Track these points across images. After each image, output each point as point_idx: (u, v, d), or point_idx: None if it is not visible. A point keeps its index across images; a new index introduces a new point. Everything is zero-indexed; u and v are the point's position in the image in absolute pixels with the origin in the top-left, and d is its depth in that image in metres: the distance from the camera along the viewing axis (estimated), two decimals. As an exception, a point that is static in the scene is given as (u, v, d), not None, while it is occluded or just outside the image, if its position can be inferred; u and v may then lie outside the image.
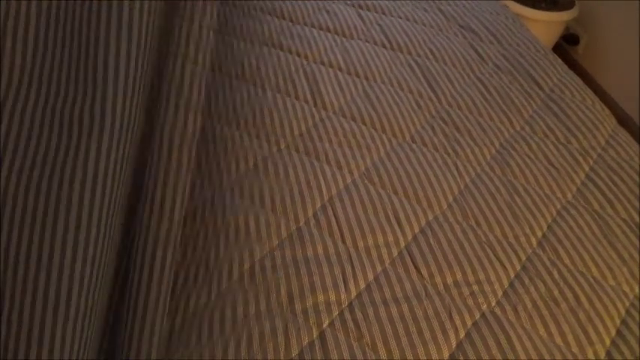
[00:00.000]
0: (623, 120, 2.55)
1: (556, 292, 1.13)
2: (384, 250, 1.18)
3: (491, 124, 1.53)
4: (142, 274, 0.88)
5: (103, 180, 0.79)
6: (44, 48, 0.82)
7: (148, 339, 0.88)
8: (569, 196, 1.35)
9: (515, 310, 1.10)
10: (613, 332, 1.08)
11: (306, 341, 1.02)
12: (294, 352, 1.00)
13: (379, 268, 1.15)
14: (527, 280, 1.15)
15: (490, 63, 1.77)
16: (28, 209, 0.79)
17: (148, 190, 0.88)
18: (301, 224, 1.20)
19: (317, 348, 1.01)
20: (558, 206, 1.31)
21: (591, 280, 1.16)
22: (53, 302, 0.78)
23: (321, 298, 1.08)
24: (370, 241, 1.19)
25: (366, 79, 1.63)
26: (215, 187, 1.22)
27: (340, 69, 1.65)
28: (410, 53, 1.76)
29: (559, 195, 1.35)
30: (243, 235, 1.15)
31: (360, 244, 1.18)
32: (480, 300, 1.11)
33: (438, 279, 1.14)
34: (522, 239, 1.23)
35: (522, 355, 1.03)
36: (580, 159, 1.45)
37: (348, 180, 1.31)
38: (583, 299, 1.12)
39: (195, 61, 0.87)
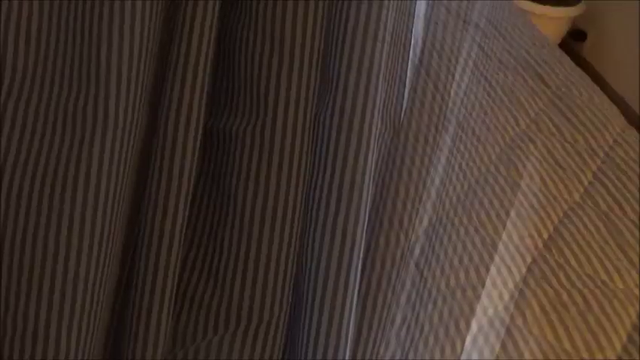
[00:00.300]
0: (631, 118, 2.53)
1: (564, 296, 1.11)
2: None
3: (495, 122, 1.51)
4: (147, 269, 0.88)
5: (107, 175, 0.80)
6: (46, 45, 0.83)
7: (153, 337, 0.88)
8: (576, 196, 1.33)
9: (523, 315, 1.08)
10: (624, 337, 1.06)
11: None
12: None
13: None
14: (533, 284, 1.13)
15: (494, 59, 1.75)
16: (32, 206, 0.79)
17: (152, 186, 0.88)
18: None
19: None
20: (565, 207, 1.30)
21: (599, 283, 1.14)
22: (59, 300, 0.79)
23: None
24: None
25: (368, 77, 1.61)
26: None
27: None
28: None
29: (566, 196, 1.33)
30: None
31: (362, 246, 1.16)
32: (486, 304, 1.09)
33: (441, 283, 1.11)
34: (528, 241, 1.21)
35: (529, 362, 1.01)
36: (587, 158, 1.43)
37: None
38: (593, 303, 1.10)
39: (198, 57, 0.86)
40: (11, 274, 0.79)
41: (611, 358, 1.03)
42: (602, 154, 1.45)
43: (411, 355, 1.00)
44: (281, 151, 0.93)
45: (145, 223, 0.88)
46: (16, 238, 0.79)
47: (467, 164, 1.37)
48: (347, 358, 0.95)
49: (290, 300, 0.96)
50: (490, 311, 1.08)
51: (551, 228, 1.24)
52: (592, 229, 1.25)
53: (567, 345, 1.04)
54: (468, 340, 1.03)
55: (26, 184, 0.80)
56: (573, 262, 1.18)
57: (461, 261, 1.15)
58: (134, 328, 0.88)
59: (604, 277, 1.16)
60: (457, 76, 1.65)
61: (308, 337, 0.95)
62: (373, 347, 0.98)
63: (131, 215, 0.91)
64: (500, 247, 1.19)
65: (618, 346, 1.04)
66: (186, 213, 0.90)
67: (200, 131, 0.89)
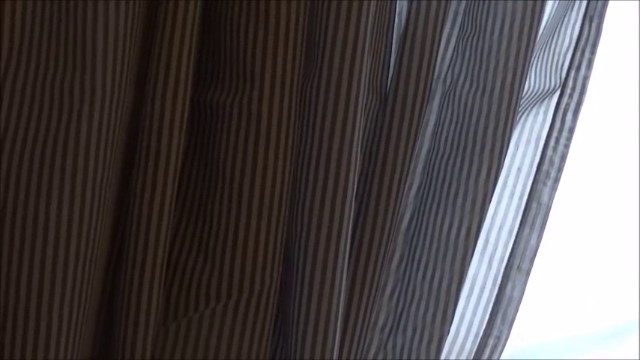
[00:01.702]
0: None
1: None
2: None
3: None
4: (137, 246, 0.89)
5: (96, 148, 0.81)
6: (31, 27, 0.83)
7: (144, 313, 0.89)
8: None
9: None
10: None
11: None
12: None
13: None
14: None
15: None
16: (21, 182, 0.80)
17: (140, 161, 0.89)
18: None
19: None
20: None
21: None
22: (50, 279, 0.80)
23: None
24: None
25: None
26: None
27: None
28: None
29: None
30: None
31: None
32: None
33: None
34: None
35: None
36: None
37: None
38: None
39: (184, 32, 0.86)
40: (2, 251, 0.80)
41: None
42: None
43: (402, 322, 1.02)
44: (268, 122, 0.94)
45: (134, 199, 0.89)
46: (7, 212, 0.80)
47: (454, 130, 1.37)
48: (339, 326, 0.96)
49: (280, 270, 0.97)
50: (481, 275, 1.09)
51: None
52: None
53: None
54: (460, 305, 1.05)
55: (15, 160, 0.81)
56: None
57: (450, 226, 1.16)
58: (125, 305, 0.89)
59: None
60: (443, 43, 1.64)
61: (299, 306, 0.96)
62: (365, 314, 0.99)
63: (120, 192, 0.91)
64: (490, 210, 1.19)
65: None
66: (175, 187, 0.90)
67: (187, 105, 0.89)
